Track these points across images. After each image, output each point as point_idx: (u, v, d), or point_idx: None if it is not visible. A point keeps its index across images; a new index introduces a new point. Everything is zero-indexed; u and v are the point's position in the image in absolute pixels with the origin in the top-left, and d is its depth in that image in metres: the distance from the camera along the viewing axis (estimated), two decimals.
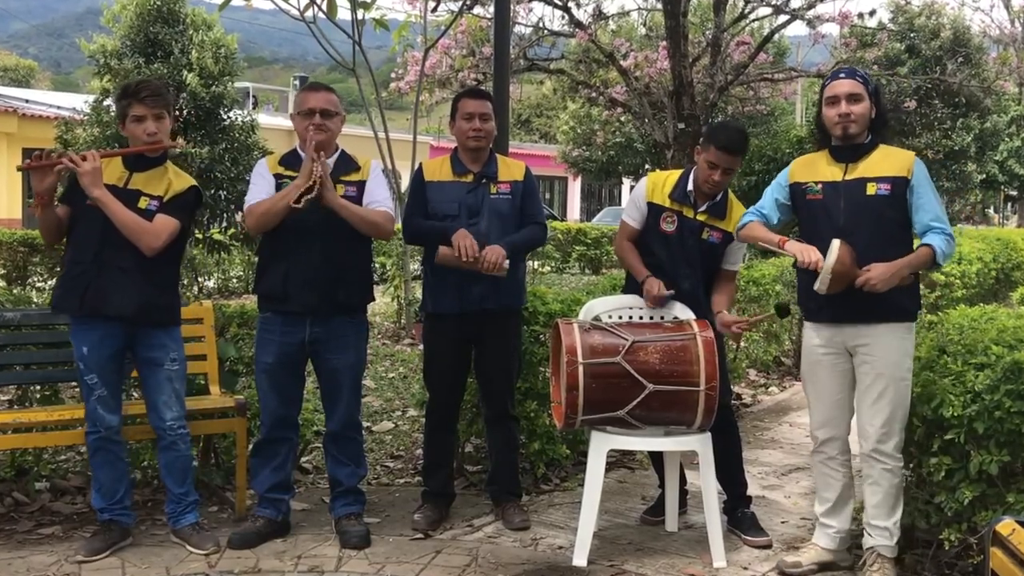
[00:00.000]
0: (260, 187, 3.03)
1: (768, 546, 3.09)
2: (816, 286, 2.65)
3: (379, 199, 3.07)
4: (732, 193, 3.22)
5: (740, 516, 3.21)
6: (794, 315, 5.97)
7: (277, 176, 3.04)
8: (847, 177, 2.79)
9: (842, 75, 2.80)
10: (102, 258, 2.83)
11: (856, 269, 2.65)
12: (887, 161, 2.77)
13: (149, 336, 2.92)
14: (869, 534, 2.80)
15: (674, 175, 3.22)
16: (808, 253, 2.69)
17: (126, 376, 3.08)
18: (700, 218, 3.13)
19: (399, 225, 3.50)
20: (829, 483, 2.88)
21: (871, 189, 2.74)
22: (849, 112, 2.74)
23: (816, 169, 2.86)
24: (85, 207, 2.85)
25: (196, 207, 3.03)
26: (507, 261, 3.08)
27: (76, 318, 2.89)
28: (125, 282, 2.83)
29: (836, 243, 2.63)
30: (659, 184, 3.18)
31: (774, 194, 2.94)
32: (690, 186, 3.14)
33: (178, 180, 2.96)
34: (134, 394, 3.38)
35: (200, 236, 8.11)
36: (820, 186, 2.82)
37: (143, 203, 2.86)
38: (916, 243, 2.76)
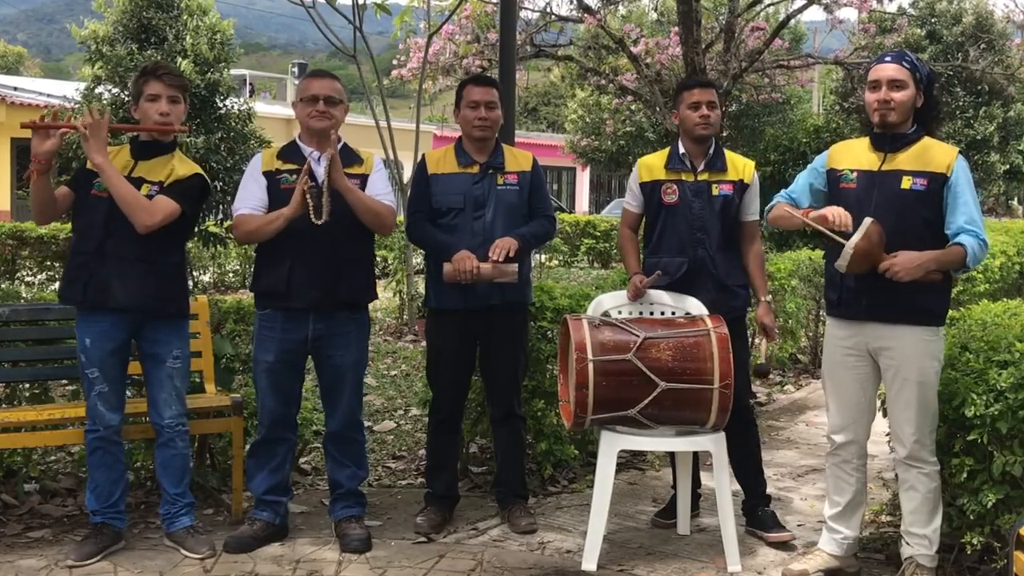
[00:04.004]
0: (250, 191, 2.98)
1: (791, 539, 3.04)
2: (837, 262, 2.56)
3: (381, 193, 3.03)
4: (729, 152, 3.20)
5: (760, 515, 3.15)
6: (810, 310, 5.87)
7: (273, 172, 2.98)
8: (884, 167, 2.68)
9: (888, 59, 2.67)
10: (105, 248, 2.80)
11: (882, 253, 2.55)
12: (928, 155, 2.65)
13: (154, 330, 2.88)
14: (907, 543, 2.71)
15: (663, 152, 3.21)
16: (838, 214, 2.57)
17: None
18: (702, 177, 3.08)
19: (399, 218, 3.42)
20: (842, 487, 2.81)
21: (906, 183, 2.63)
22: (889, 99, 2.61)
23: (854, 156, 2.75)
24: (90, 196, 2.83)
25: (201, 196, 2.99)
26: (514, 265, 3.02)
27: (81, 310, 2.86)
28: (127, 272, 2.80)
29: (868, 220, 2.53)
30: (650, 164, 3.18)
31: (809, 179, 2.84)
32: (682, 150, 3.11)
33: (181, 166, 2.93)
34: (129, 392, 3.29)
35: (195, 229, 8.01)
36: (855, 174, 2.71)
37: (144, 190, 2.84)
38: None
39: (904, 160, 2.66)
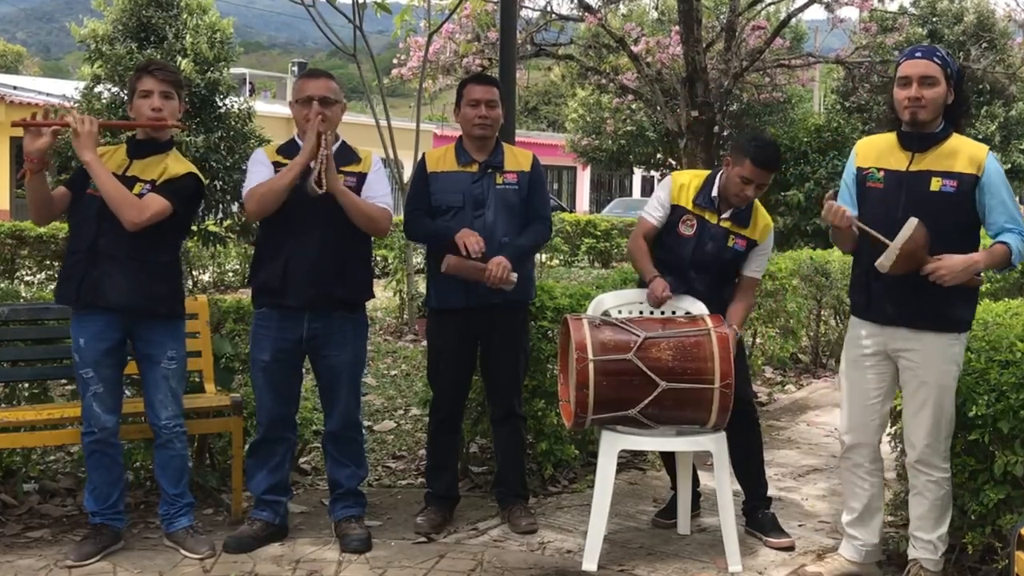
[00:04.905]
0: (259, 173, 2.95)
1: (791, 547, 3.01)
2: (880, 261, 2.47)
3: (378, 194, 2.99)
4: (757, 200, 3.11)
5: (760, 517, 3.14)
6: (810, 311, 5.86)
7: (276, 164, 2.96)
8: (912, 168, 2.60)
9: (918, 54, 2.57)
10: (97, 247, 2.79)
11: (927, 255, 2.47)
12: (957, 155, 2.57)
13: (148, 331, 2.86)
14: (913, 545, 2.70)
15: (699, 178, 3.13)
16: (839, 211, 2.52)
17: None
18: (724, 224, 3.04)
19: (398, 219, 3.40)
20: (856, 492, 2.77)
21: (935, 184, 2.55)
22: (920, 96, 2.52)
23: (881, 154, 2.67)
24: (85, 195, 2.82)
25: (195, 196, 2.96)
26: (514, 274, 3.00)
27: (76, 310, 2.85)
28: (119, 272, 2.78)
29: (914, 221, 2.45)
30: (685, 186, 3.10)
31: (848, 189, 2.75)
32: (715, 192, 3.05)
33: (175, 165, 2.90)
34: (127, 392, 3.28)
35: (195, 228, 8.00)
36: (882, 174, 2.64)
37: (136, 189, 2.81)
38: (983, 245, 2.61)
39: (933, 160, 2.58)
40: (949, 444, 2.63)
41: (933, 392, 2.57)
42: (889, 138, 2.68)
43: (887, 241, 2.49)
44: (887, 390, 2.71)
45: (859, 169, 2.70)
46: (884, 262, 2.47)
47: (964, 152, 2.58)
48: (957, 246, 2.53)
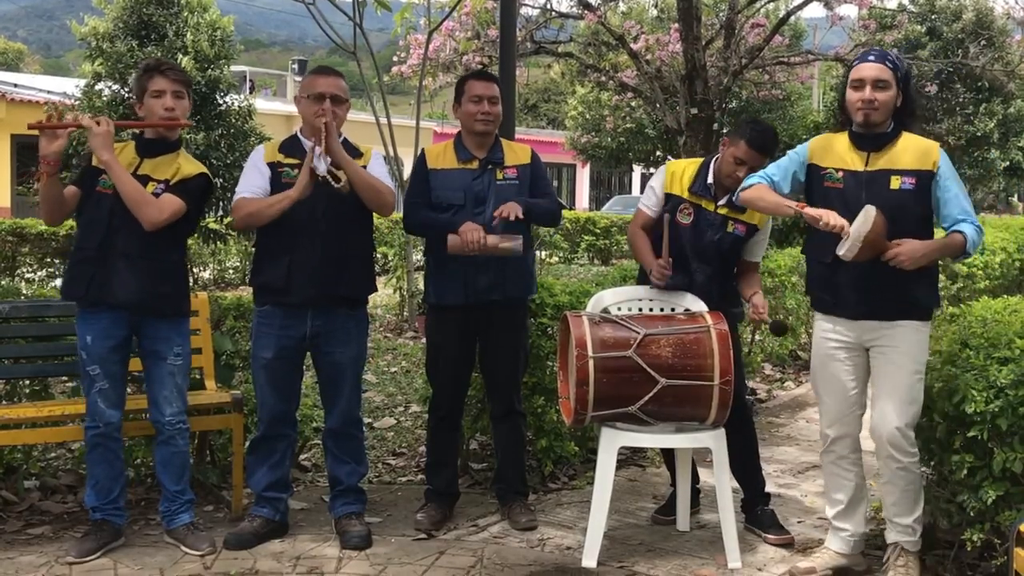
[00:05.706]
0: (252, 179, 2.96)
1: (790, 543, 3.03)
2: (842, 251, 2.53)
3: (379, 177, 3.00)
4: None
5: (759, 514, 3.15)
6: (809, 308, 5.86)
7: (275, 164, 2.97)
8: (869, 167, 2.68)
9: (871, 58, 2.67)
10: (107, 245, 2.81)
11: (886, 241, 2.55)
12: (911, 152, 2.67)
13: (154, 328, 2.88)
14: (892, 530, 2.73)
15: (693, 165, 3.14)
16: (833, 216, 2.55)
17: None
18: (721, 211, 3.05)
19: (398, 215, 3.40)
20: (841, 484, 2.80)
21: (895, 183, 2.64)
22: (873, 99, 2.62)
23: (836, 154, 2.74)
24: (95, 192, 2.84)
25: (205, 195, 2.99)
26: (520, 238, 2.99)
27: (82, 306, 2.87)
28: (128, 270, 2.80)
29: (872, 209, 2.52)
30: (678, 174, 3.11)
31: (792, 167, 2.79)
32: (710, 179, 3.06)
33: (187, 165, 2.94)
34: (129, 388, 3.29)
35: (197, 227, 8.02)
36: (841, 174, 2.70)
37: (149, 188, 2.84)
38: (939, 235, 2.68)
39: (889, 159, 2.67)
40: (914, 432, 2.67)
41: (905, 377, 2.63)
42: (842, 138, 2.75)
43: (842, 233, 2.54)
44: (863, 379, 2.77)
45: (814, 166, 2.75)
46: (848, 252, 2.52)
47: (918, 149, 2.67)
48: (921, 239, 2.62)
